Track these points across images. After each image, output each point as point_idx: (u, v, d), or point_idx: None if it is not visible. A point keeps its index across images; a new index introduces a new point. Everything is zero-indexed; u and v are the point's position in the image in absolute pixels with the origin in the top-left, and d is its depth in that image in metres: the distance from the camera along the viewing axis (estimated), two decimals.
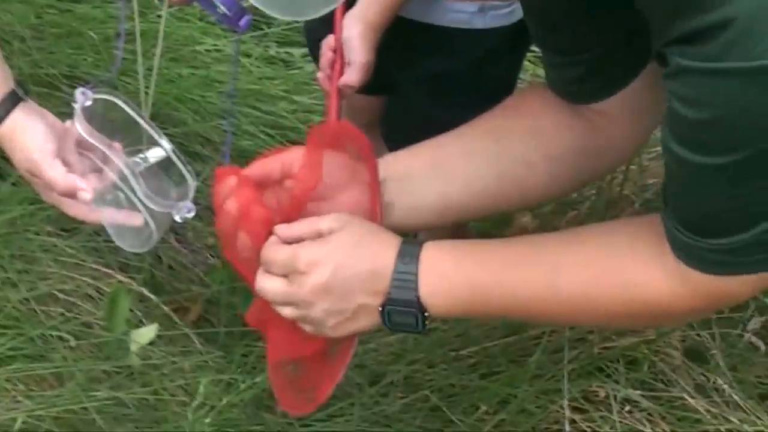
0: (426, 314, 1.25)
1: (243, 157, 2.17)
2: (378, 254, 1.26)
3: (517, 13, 1.78)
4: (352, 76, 1.67)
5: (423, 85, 1.85)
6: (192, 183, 1.45)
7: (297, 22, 2.45)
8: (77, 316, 1.87)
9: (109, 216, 1.49)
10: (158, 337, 1.80)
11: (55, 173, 1.46)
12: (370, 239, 1.28)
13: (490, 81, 1.82)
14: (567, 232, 1.35)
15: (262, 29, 2.56)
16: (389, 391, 1.77)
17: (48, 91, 2.22)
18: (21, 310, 1.84)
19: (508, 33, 1.80)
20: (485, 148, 1.41)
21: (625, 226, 1.29)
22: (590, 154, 1.39)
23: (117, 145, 1.47)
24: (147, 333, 1.79)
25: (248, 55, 2.47)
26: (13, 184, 2.06)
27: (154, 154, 1.48)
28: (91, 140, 1.44)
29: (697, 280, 1.13)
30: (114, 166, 1.47)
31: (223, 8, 1.35)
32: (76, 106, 1.41)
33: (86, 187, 1.46)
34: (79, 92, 1.42)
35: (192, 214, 1.43)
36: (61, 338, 1.81)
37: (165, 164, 1.48)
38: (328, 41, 1.70)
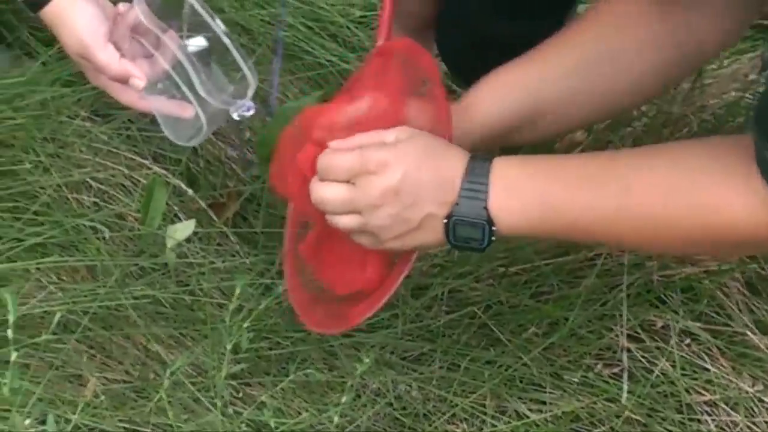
0: (493, 228, 1.21)
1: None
2: (447, 164, 1.22)
3: None
4: None
5: None
6: (252, 80, 1.37)
7: None
8: (110, 206, 1.80)
9: (159, 105, 1.41)
10: (193, 233, 1.73)
11: (108, 57, 1.40)
12: (439, 150, 1.24)
13: None
14: (641, 150, 1.29)
15: None
16: (433, 305, 1.71)
17: None
18: (54, 197, 1.76)
19: None
20: (571, 56, 1.35)
21: (704, 145, 1.23)
22: (677, 60, 1.36)
23: (172, 32, 1.39)
24: (183, 229, 1.72)
25: None
26: (44, 63, 1.97)
27: (209, 45, 1.40)
28: (150, 25, 1.36)
29: None
30: (169, 53, 1.39)
31: None
32: None
33: (139, 73, 1.39)
34: None
35: (251, 113, 1.37)
36: (94, 229, 1.73)
37: (221, 57, 1.40)
38: None
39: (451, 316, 1.69)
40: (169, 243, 1.70)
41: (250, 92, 1.37)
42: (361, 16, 2.29)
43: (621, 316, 1.65)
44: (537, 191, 1.20)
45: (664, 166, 1.17)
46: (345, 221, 1.26)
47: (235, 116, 1.36)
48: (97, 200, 1.80)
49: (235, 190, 1.86)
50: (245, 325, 1.54)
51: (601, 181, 1.19)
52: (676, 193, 1.15)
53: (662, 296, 1.70)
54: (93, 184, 1.82)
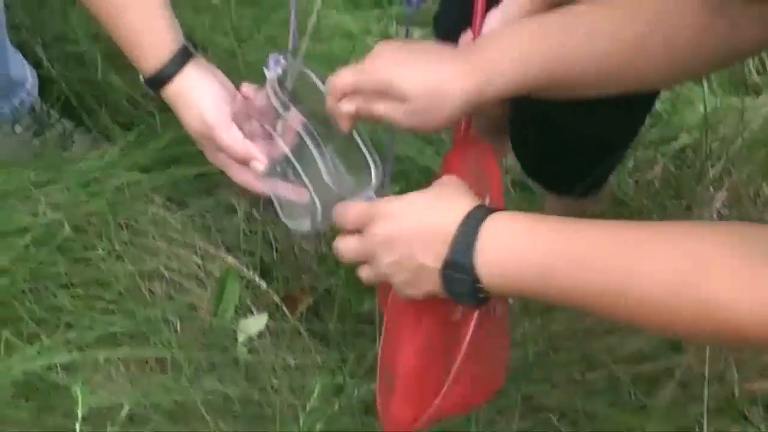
0: (479, 285, 1.16)
1: None
2: (446, 214, 1.19)
3: None
4: None
5: None
6: (376, 172, 1.35)
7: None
8: (182, 296, 1.78)
9: (276, 188, 1.40)
10: (265, 327, 1.71)
11: (232, 138, 1.41)
12: (447, 200, 1.21)
13: None
14: (650, 228, 1.23)
15: (382, 8, 2.45)
16: (507, 410, 1.67)
17: None
18: (126, 286, 1.75)
19: None
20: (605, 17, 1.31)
21: (716, 231, 1.13)
22: (723, 52, 1.29)
23: (298, 116, 1.38)
24: (255, 323, 1.71)
25: (368, 32, 2.37)
26: (122, 148, 1.98)
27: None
28: (281, 111, 1.35)
29: None
30: (289, 137, 1.38)
31: None
32: (269, 73, 1.35)
33: (261, 156, 1.41)
34: (271, 59, 1.35)
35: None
36: (165, 320, 1.72)
37: (340, 147, 1.38)
38: None
39: (526, 422, 1.65)
40: (241, 337, 1.68)
41: (374, 181, 1.34)
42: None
43: (701, 429, 1.60)
44: (533, 253, 1.14)
45: (671, 251, 1.10)
46: (361, 272, 1.26)
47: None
48: (169, 290, 1.78)
49: (308, 285, 1.84)
50: (318, 426, 1.51)
51: (604, 257, 1.13)
52: (681, 283, 1.08)
53: (744, 411, 1.65)
54: (166, 273, 1.81)
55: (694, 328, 1.09)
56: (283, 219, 1.41)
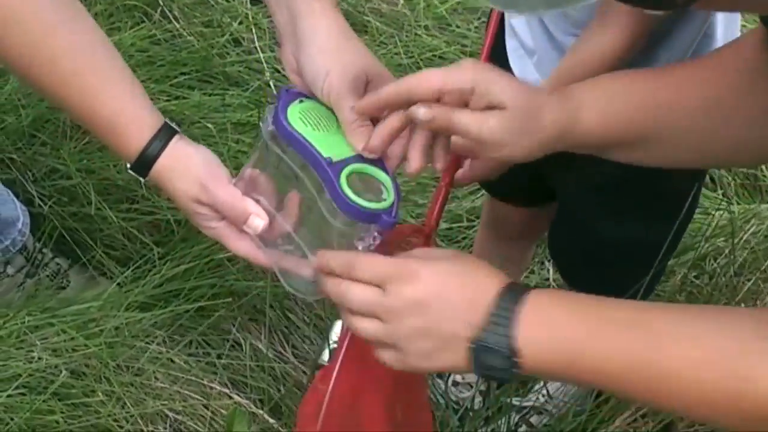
0: (516, 360, 1.13)
1: None
2: (481, 287, 1.16)
3: None
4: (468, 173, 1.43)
5: (586, 195, 1.65)
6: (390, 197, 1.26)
7: None
8: None
9: (277, 259, 1.32)
10: None
11: (230, 194, 1.31)
12: (476, 270, 1.19)
13: (669, 194, 1.63)
14: (685, 306, 1.20)
15: None
16: None
17: None
18: (128, 430, 1.65)
19: None
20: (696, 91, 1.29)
21: (752, 315, 1.16)
22: None
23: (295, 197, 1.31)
24: None
25: None
26: (119, 284, 1.90)
27: None
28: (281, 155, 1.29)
29: None
30: (292, 215, 1.30)
31: None
32: (263, 126, 1.28)
33: (262, 213, 1.31)
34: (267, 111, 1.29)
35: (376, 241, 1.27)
36: None
37: None
38: None
39: None
40: None
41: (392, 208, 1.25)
42: None
43: None
44: (570, 329, 1.13)
45: (709, 325, 1.11)
46: (366, 325, 1.18)
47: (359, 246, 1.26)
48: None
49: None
50: None
51: (638, 330, 1.12)
52: (708, 364, 1.08)
53: None
54: (170, 414, 1.73)
55: (721, 411, 1.09)
56: (285, 284, 1.32)
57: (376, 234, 1.23)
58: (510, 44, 1.59)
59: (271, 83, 2.33)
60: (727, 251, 2.05)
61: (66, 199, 2.05)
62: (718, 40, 1.48)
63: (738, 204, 2.25)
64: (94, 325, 1.81)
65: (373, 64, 1.30)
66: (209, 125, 2.14)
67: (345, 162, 1.23)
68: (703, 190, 2.20)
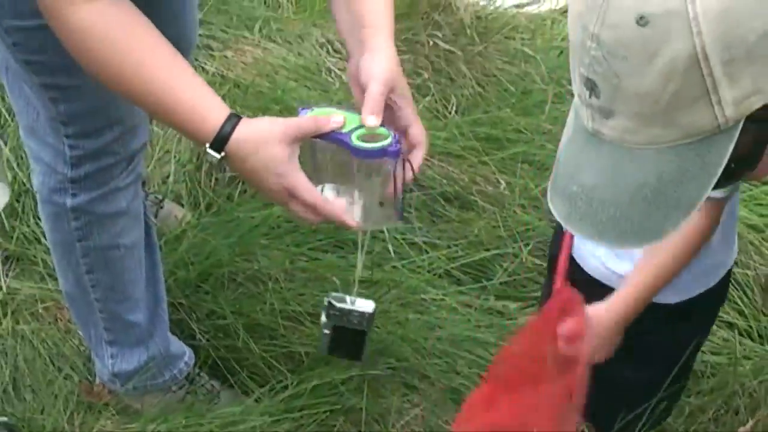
0: None
1: (455, 395, 2.47)
2: None
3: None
4: None
5: None
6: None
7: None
8: None
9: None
10: None
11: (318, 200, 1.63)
12: None
13: (684, 340, 2.03)
14: None
15: (481, 282, 2.86)
16: None
17: (293, 325, 2.59)
18: None
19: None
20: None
21: None
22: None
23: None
24: None
25: (468, 306, 2.77)
26: (256, 400, 2.40)
27: None
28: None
29: None
30: None
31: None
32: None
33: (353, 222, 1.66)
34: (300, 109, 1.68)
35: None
36: None
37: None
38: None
39: None
40: None
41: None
42: None
43: None
44: None
45: None
46: None
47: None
48: None
49: None
50: None
51: None
52: None
53: None
54: None
55: None
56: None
57: (389, 165, 1.62)
58: None
59: None
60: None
61: (221, 334, 2.58)
62: None
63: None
64: (233, 427, 2.31)
65: (403, 87, 1.69)
66: (336, 280, 2.68)
67: (354, 129, 1.62)
68: None
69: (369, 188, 1.66)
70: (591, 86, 1.14)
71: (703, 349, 2.39)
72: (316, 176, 1.65)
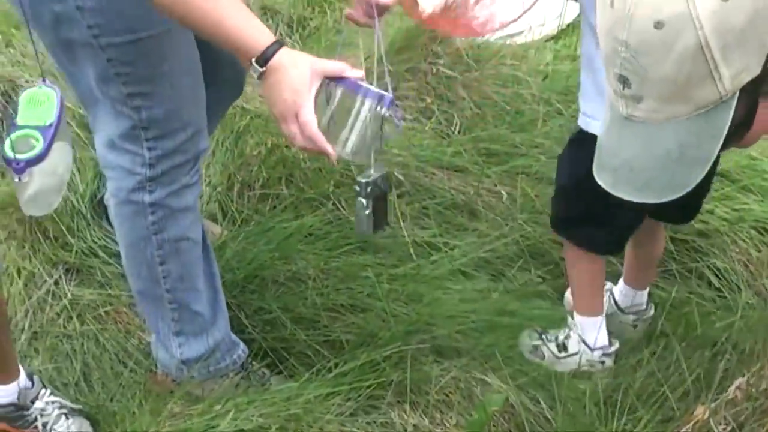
0: None
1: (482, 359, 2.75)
2: None
3: None
4: None
5: None
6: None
7: None
8: None
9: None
10: None
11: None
12: None
13: None
14: None
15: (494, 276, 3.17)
16: None
17: (334, 315, 2.88)
18: None
19: None
20: None
21: None
22: None
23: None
24: None
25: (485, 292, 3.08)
26: (300, 384, 2.67)
27: None
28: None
29: None
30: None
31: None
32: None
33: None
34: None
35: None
36: None
37: None
38: None
39: None
40: None
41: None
42: None
43: None
44: None
45: None
46: None
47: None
48: None
49: None
50: None
51: None
52: None
53: None
54: None
55: None
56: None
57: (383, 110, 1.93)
58: None
59: None
60: None
61: (268, 327, 2.86)
62: None
63: None
64: (294, 401, 2.58)
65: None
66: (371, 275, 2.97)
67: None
68: None
69: (363, 128, 1.95)
70: (624, 80, 1.45)
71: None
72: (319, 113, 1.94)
